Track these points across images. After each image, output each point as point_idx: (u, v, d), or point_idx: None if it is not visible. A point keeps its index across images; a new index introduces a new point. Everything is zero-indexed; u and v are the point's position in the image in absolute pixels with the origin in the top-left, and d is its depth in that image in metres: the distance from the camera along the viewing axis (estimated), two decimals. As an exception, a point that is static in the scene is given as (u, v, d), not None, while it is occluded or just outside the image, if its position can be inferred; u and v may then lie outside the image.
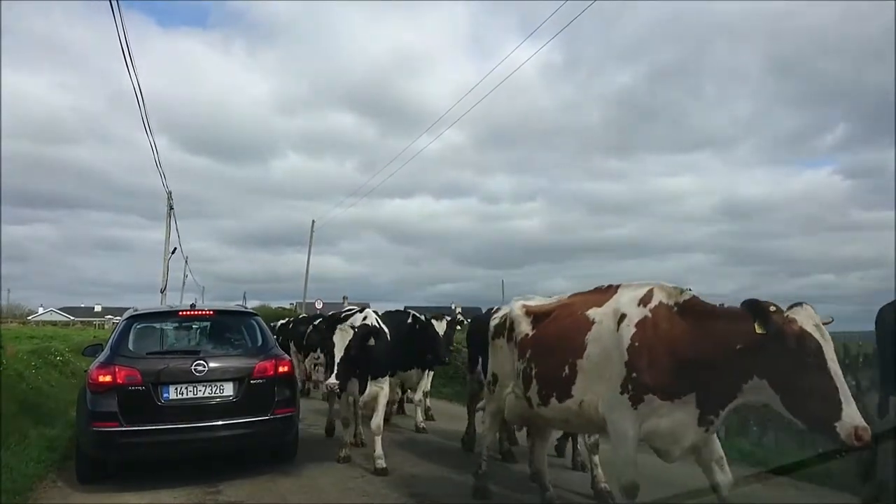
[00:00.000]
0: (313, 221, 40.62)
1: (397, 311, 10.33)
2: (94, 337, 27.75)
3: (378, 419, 7.40)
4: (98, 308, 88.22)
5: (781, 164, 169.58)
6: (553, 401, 4.92)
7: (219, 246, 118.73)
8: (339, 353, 6.99)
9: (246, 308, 9.26)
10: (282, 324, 18.28)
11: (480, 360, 7.54)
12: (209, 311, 8.26)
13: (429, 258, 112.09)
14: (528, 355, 5.29)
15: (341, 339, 7.06)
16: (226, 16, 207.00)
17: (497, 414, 6.06)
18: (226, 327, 8.23)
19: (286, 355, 7.69)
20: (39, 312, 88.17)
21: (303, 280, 40.72)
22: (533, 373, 5.18)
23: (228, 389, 6.90)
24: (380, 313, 8.56)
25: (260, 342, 7.62)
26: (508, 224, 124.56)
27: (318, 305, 34.54)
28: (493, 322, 6.07)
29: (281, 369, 7.22)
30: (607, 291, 4.89)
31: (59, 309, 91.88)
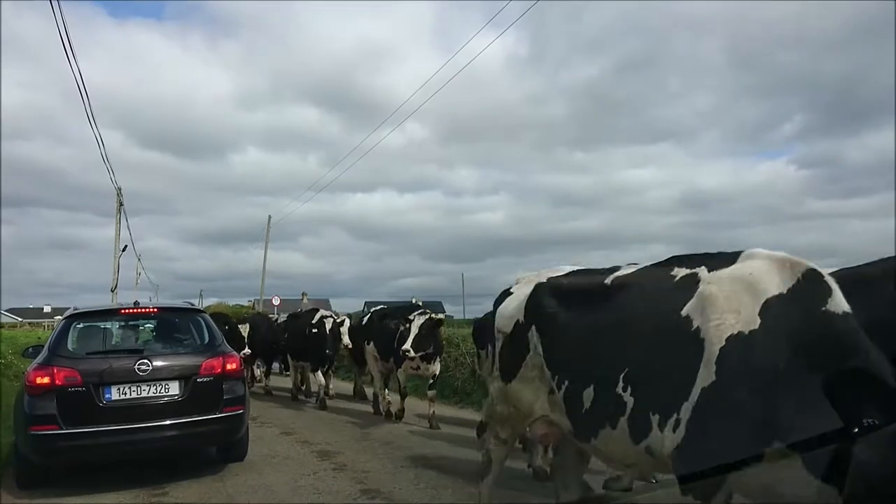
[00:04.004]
0: (269, 217, 40.38)
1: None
2: (39, 338, 26.84)
3: None
4: (48, 309, 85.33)
5: (741, 155, 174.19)
6: None
7: (178, 244, 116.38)
8: None
9: (192, 305, 9.07)
10: (341, 319, 12.34)
11: None
12: (153, 308, 8.09)
13: (391, 253, 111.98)
14: None
15: None
16: (183, 7, 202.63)
17: None
18: (171, 325, 8.08)
19: (234, 352, 7.55)
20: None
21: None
22: None
23: (174, 388, 6.77)
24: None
25: (207, 339, 7.50)
26: (472, 218, 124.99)
27: (276, 302, 34.12)
28: None
29: (229, 366, 7.11)
30: None
31: (6, 310, 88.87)
